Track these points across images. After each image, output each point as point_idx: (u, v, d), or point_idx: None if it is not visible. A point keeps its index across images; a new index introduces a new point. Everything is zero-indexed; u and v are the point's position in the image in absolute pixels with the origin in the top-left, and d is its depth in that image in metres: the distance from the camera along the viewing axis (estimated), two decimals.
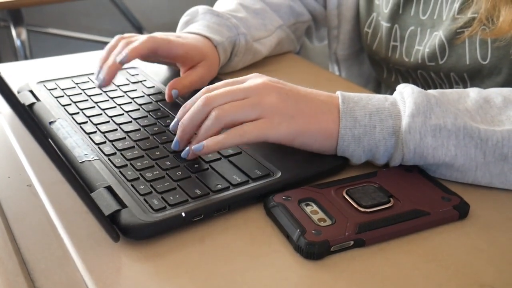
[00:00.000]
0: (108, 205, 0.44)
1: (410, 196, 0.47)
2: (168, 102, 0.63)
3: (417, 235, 0.44)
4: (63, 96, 0.65)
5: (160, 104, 0.63)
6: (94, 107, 0.62)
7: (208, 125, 0.49)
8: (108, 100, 0.64)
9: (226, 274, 0.40)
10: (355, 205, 0.45)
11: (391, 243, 0.43)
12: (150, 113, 0.61)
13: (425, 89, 0.52)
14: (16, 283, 0.39)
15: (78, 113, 0.60)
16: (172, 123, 0.53)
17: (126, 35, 0.66)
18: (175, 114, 0.53)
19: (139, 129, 0.57)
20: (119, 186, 0.46)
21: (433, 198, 0.47)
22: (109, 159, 0.51)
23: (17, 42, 1.80)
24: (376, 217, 0.44)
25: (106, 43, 0.66)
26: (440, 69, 0.70)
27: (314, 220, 0.44)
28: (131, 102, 0.64)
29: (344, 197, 0.46)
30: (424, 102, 0.49)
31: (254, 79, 0.52)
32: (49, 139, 0.53)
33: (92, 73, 0.72)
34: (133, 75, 0.72)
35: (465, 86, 0.69)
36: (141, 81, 0.70)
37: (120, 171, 0.49)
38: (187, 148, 0.50)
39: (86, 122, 0.58)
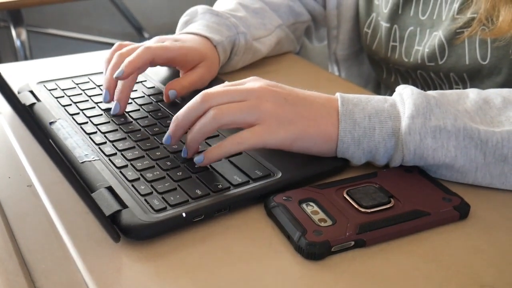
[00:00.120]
0: (108, 206, 0.44)
1: (410, 197, 0.47)
2: (166, 102, 0.63)
3: (417, 235, 0.44)
4: (63, 96, 0.65)
5: (160, 105, 0.63)
6: (94, 107, 0.62)
7: (205, 123, 0.48)
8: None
9: (226, 275, 0.40)
10: (356, 206, 0.45)
11: (392, 244, 0.43)
12: (150, 113, 0.61)
13: (424, 90, 0.52)
14: (16, 283, 0.39)
15: (78, 113, 0.60)
16: (164, 137, 0.51)
17: (124, 43, 0.65)
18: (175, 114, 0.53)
19: (139, 130, 0.57)
20: (119, 186, 0.46)
21: (433, 198, 0.47)
22: (109, 159, 0.51)
23: (17, 43, 1.81)
24: (376, 217, 0.44)
25: (106, 43, 0.67)
26: (440, 69, 0.70)
27: (315, 220, 0.44)
28: (131, 103, 0.64)
29: (345, 197, 0.46)
30: (424, 103, 0.49)
31: (252, 82, 0.52)
32: (50, 140, 0.53)
33: (92, 73, 0.72)
34: None
35: (464, 87, 0.69)
36: (141, 82, 0.70)
37: (120, 172, 0.49)
38: (184, 148, 0.50)
39: (87, 122, 0.58)
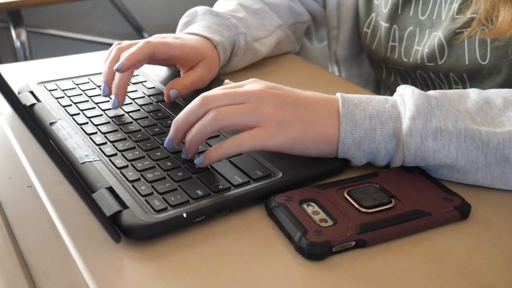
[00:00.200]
0: (109, 206, 0.44)
1: (411, 197, 0.47)
2: (167, 102, 0.63)
3: (418, 235, 0.44)
4: (63, 97, 0.65)
5: (161, 105, 0.63)
6: (94, 108, 0.62)
7: (204, 125, 0.48)
8: (108, 101, 0.64)
9: (227, 275, 0.40)
10: (357, 206, 0.45)
11: (393, 244, 0.43)
12: (150, 113, 0.61)
13: (424, 90, 0.52)
14: (17, 284, 0.39)
15: (78, 114, 0.60)
16: (166, 140, 0.51)
17: (125, 42, 0.65)
18: (175, 115, 0.52)
19: (139, 130, 0.57)
20: (120, 187, 0.46)
21: (434, 198, 0.47)
22: (110, 160, 0.51)
23: (17, 43, 1.80)
24: (377, 217, 0.44)
25: (106, 44, 0.67)
26: (439, 70, 0.70)
27: (316, 220, 0.44)
28: (131, 103, 0.64)
29: (346, 197, 0.46)
30: (425, 104, 0.49)
31: (252, 84, 0.51)
32: (51, 140, 0.53)
33: (92, 74, 0.72)
34: (133, 75, 0.72)
35: (464, 87, 0.69)
36: (141, 82, 0.70)
37: (121, 172, 0.49)
38: (183, 150, 0.50)
39: (87, 123, 0.58)
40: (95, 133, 0.56)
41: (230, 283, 0.39)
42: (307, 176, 0.50)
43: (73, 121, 0.59)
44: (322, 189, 0.47)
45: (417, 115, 0.48)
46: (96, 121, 0.59)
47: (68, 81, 0.69)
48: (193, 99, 0.50)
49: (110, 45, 0.66)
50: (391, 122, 0.49)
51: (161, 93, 0.66)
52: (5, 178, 0.52)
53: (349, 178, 0.50)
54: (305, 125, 0.49)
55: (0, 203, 0.48)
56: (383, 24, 0.77)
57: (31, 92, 0.65)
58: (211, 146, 0.53)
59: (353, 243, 0.42)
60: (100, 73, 0.71)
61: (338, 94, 0.52)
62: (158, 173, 0.49)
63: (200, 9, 0.74)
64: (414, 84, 0.76)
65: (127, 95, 0.66)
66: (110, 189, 0.46)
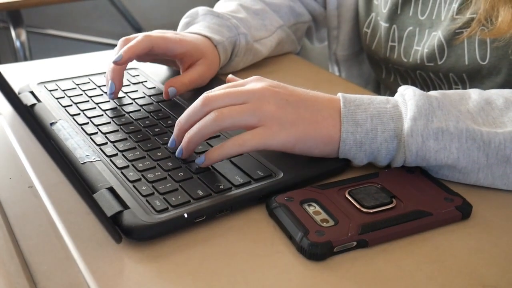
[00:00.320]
0: (110, 206, 0.44)
1: (412, 197, 0.47)
2: (166, 99, 0.63)
3: (419, 235, 0.44)
4: (64, 97, 0.65)
5: (161, 105, 0.63)
6: (95, 108, 0.62)
7: (205, 125, 0.48)
8: (109, 101, 0.64)
9: (228, 275, 0.40)
10: (358, 206, 0.45)
11: (394, 244, 0.43)
12: (151, 113, 0.61)
13: (424, 90, 0.51)
14: (18, 285, 0.38)
15: (79, 114, 0.60)
16: (169, 141, 0.52)
17: (132, 36, 0.66)
18: (176, 115, 0.53)
19: (140, 130, 0.57)
20: (121, 187, 0.46)
21: (435, 198, 0.47)
22: (110, 160, 0.51)
23: (17, 43, 1.80)
24: (378, 217, 0.44)
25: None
26: (439, 70, 0.70)
27: (317, 221, 0.44)
28: (132, 103, 0.64)
29: (347, 197, 0.46)
30: (426, 105, 0.49)
31: (254, 83, 0.51)
32: (51, 140, 0.53)
33: (93, 74, 0.72)
34: (133, 76, 0.72)
35: (464, 87, 0.69)
36: (141, 82, 0.70)
37: (122, 172, 0.49)
38: (179, 147, 0.50)
39: (87, 123, 0.58)
40: (96, 133, 0.56)
41: (231, 284, 0.39)
42: (308, 176, 0.50)
43: (73, 121, 0.59)
44: (323, 189, 0.47)
45: (419, 116, 0.48)
46: (96, 121, 0.59)
47: (69, 81, 0.69)
48: (195, 99, 0.50)
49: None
50: (392, 122, 0.49)
51: (161, 93, 0.66)
52: (6, 178, 0.52)
53: (350, 178, 0.50)
54: (307, 125, 0.49)
55: (0, 203, 0.48)
56: (383, 24, 0.77)
57: (31, 92, 0.65)
58: (212, 146, 0.53)
59: (355, 243, 0.42)
60: (101, 73, 0.71)
61: (340, 94, 0.52)
62: (159, 173, 0.48)
63: (201, 9, 0.74)
64: (413, 84, 0.76)
65: (127, 95, 0.66)
66: (111, 190, 0.46)
